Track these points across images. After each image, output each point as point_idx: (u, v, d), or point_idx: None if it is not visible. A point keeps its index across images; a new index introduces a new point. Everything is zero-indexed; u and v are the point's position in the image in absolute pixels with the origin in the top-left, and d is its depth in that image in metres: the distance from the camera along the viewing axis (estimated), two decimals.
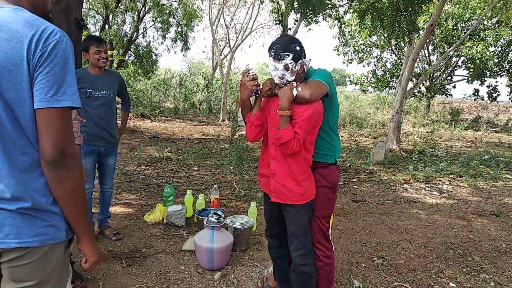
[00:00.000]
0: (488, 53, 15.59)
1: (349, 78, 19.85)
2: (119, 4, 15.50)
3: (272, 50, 2.01)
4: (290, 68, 1.98)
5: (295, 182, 2.09)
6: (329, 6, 7.74)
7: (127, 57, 16.86)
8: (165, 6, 17.33)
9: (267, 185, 2.21)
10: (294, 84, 1.99)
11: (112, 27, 16.82)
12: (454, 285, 2.95)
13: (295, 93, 1.93)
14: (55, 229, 1.17)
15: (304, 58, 2.06)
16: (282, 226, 2.28)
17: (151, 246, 3.28)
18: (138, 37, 17.34)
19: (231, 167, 6.41)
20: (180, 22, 18.49)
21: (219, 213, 3.01)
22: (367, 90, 19.96)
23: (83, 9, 4.69)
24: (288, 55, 1.97)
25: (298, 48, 2.00)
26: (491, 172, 7.24)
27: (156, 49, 18.87)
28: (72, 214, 1.17)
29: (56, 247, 1.18)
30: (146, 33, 18.02)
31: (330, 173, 2.22)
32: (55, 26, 1.13)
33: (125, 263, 2.93)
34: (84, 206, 1.20)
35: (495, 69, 16.79)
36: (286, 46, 1.99)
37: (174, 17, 18.11)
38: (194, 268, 2.91)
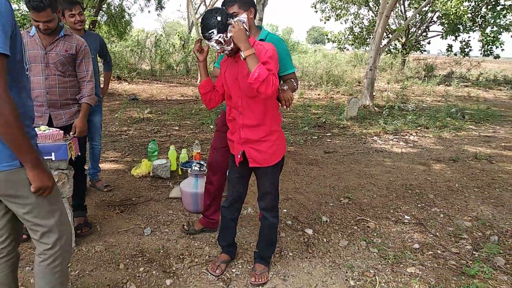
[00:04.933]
0: (462, 8, 15.86)
1: (327, 36, 19.89)
2: None
3: (202, 34, 2.04)
4: (222, 41, 1.99)
5: (268, 143, 2.19)
6: None
7: (99, 18, 16.36)
8: None
9: (235, 151, 2.28)
10: (238, 18, 2.02)
11: None
12: (408, 218, 3.41)
13: (244, 26, 1.97)
14: (9, 158, 1.45)
15: (232, 20, 2.00)
16: (245, 188, 2.44)
17: (140, 195, 3.60)
18: None
19: (211, 126, 6.68)
20: None
21: (202, 163, 3.32)
22: (345, 48, 20.13)
23: None
24: (212, 32, 1.96)
25: (219, 18, 1.96)
26: (456, 123, 7.74)
27: (129, 9, 18.47)
28: (10, 145, 1.42)
29: (15, 172, 1.47)
30: None
31: None
32: None
33: (118, 209, 3.26)
34: (19, 138, 1.40)
35: (468, 24, 17.14)
36: (206, 24, 1.97)
37: None
38: (181, 212, 3.27)
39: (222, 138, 2.64)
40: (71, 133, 2.53)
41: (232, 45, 2.02)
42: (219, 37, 1.97)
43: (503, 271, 2.60)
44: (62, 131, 2.40)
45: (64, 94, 2.56)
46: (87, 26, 14.37)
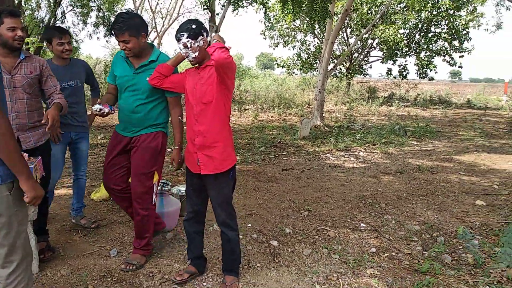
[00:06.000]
0: (398, 35, 17.24)
1: (276, 61, 20.66)
2: None
3: (175, 36, 2.29)
4: (189, 46, 2.24)
5: (219, 149, 2.34)
6: None
7: (44, 44, 15.88)
8: None
9: (191, 160, 2.44)
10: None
11: (25, 12, 15.67)
12: (364, 225, 3.65)
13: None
14: None
15: (206, 35, 2.30)
16: (203, 201, 2.53)
17: (103, 218, 3.55)
18: (56, 22, 16.37)
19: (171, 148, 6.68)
20: (102, 7, 17.76)
21: (166, 182, 3.37)
22: (293, 73, 20.97)
23: None
24: (183, 34, 2.23)
25: (194, 26, 2.23)
26: (400, 140, 8.35)
27: (76, 35, 17.97)
28: (5, 158, 1.48)
29: None
30: (65, 18, 17.07)
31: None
32: None
33: (81, 233, 3.20)
34: (12, 152, 1.47)
35: (405, 49, 18.63)
36: (181, 27, 2.27)
37: (94, 1, 17.35)
38: None
39: (112, 156, 2.78)
40: (43, 120, 2.43)
41: (197, 53, 2.27)
42: (187, 41, 2.23)
43: (450, 266, 2.88)
44: (27, 154, 2.38)
45: (32, 117, 2.54)
46: (32, 51, 13.93)
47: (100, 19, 17.82)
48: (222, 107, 2.34)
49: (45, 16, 16.18)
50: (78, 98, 3.18)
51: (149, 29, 17.79)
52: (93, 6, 17.40)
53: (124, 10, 2.62)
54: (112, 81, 2.82)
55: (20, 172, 1.52)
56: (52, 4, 15.61)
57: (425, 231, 3.56)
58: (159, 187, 3.26)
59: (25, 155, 2.39)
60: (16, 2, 14.65)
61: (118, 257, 2.86)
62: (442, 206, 4.23)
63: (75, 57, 16.97)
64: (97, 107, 2.52)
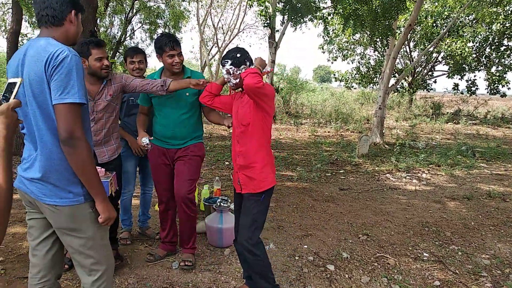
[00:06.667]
0: (466, 49, 16.32)
1: (334, 75, 20.44)
2: (107, 8, 15.74)
3: (220, 60, 2.47)
4: (232, 72, 2.39)
5: (257, 170, 2.39)
6: (315, 8, 8.24)
7: (115, 59, 17.12)
8: (152, 8, 17.62)
9: (234, 180, 2.53)
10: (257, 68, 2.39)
11: (99, 30, 17.05)
12: (427, 255, 3.47)
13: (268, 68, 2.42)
14: (74, 194, 1.65)
15: (249, 64, 2.42)
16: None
17: None
18: (126, 38, 17.61)
19: (226, 162, 6.86)
20: (168, 23, 18.80)
21: (226, 198, 3.47)
22: (352, 87, 20.57)
23: None
24: (227, 61, 2.40)
25: (238, 55, 2.39)
26: (467, 161, 7.83)
27: (144, 50, 19.11)
28: (84, 180, 1.63)
29: (79, 207, 1.66)
30: (134, 34, 18.29)
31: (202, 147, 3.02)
32: (67, 47, 1.60)
33: (146, 243, 3.39)
34: (93, 174, 1.63)
35: (473, 64, 17.56)
36: (227, 54, 2.44)
37: (161, 18, 18.42)
38: (206, 246, 3.39)
39: (160, 170, 3.02)
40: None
41: (237, 80, 2.42)
42: (230, 68, 2.39)
43: None
44: (104, 169, 2.58)
45: (108, 133, 2.76)
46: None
47: None
48: (260, 130, 2.40)
49: (117, 32, 17.48)
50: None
51: (211, 44, 18.51)
52: (160, 23, 18.49)
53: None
54: (145, 103, 3.01)
55: (97, 195, 1.67)
56: (123, 22, 16.83)
57: (495, 266, 3.30)
58: (220, 203, 3.39)
59: (102, 170, 2.62)
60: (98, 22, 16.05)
61: (179, 269, 2.98)
62: None
63: None
64: (146, 141, 2.71)
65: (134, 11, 16.84)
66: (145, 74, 3.38)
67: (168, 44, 2.75)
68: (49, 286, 1.83)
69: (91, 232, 1.71)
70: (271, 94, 2.37)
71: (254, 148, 2.41)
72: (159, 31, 18.70)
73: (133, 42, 18.43)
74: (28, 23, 12.92)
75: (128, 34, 17.51)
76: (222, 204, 3.38)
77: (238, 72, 2.39)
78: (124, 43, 17.42)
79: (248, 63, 2.42)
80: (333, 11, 8.66)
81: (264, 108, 2.36)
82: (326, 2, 9.29)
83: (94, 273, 1.78)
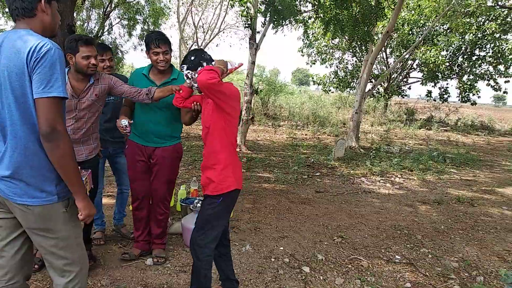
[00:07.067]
0: (440, 57, 16.85)
1: (313, 78, 20.69)
2: (85, 1, 15.37)
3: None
4: (190, 77, 2.41)
5: (216, 172, 2.29)
6: (297, 11, 8.30)
7: None
8: (131, 3, 17.33)
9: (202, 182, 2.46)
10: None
11: (76, 23, 16.61)
12: (399, 257, 3.56)
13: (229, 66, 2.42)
14: (47, 193, 1.60)
15: (209, 64, 2.39)
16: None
17: None
18: (104, 33, 17.25)
19: None
20: (147, 20, 18.54)
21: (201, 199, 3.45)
22: (329, 90, 20.89)
23: None
24: (183, 66, 2.42)
25: (192, 57, 2.40)
26: (438, 167, 8.09)
27: (122, 46, 18.80)
28: (64, 176, 1.60)
29: (52, 206, 1.62)
30: (112, 29, 17.95)
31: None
32: (49, 39, 1.57)
33: (120, 244, 3.33)
34: (73, 171, 1.60)
35: (446, 72, 18.15)
36: (183, 61, 2.47)
37: (140, 14, 18.14)
38: (182, 248, 3.35)
39: (137, 167, 3.00)
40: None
41: (197, 83, 2.34)
42: (188, 72, 2.42)
43: None
44: (79, 167, 2.52)
45: (87, 133, 2.70)
46: None
47: (145, 32, 18.56)
48: (221, 131, 2.30)
49: (94, 27, 17.09)
50: (117, 114, 3.23)
51: (191, 43, 18.37)
52: (139, 19, 18.21)
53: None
54: None
55: (77, 192, 1.64)
56: (101, 17, 16.48)
57: (463, 268, 3.42)
58: (197, 204, 3.37)
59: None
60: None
61: (154, 270, 2.95)
62: (482, 243, 4.06)
63: (119, 67, 17.74)
64: (125, 123, 2.68)
65: (113, 5, 16.50)
66: (128, 73, 3.33)
67: (153, 42, 2.77)
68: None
69: (64, 232, 1.67)
70: (231, 94, 2.28)
71: (215, 149, 2.32)
72: (138, 27, 18.44)
73: (111, 37, 18.10)
74: (2, 13, 12.48)
75: (105, 29, 17.16)
76: (199, 205, 3.35)
77: (196, 75, 2.37)
78: (101, 38, 17.05)
79: (205, 63, 2.38)
80: (314, 15, 8.76)
81: (224, 108, 2.26)
82: (307, 6, 9.37)
83: (67, 274, 1.73)
